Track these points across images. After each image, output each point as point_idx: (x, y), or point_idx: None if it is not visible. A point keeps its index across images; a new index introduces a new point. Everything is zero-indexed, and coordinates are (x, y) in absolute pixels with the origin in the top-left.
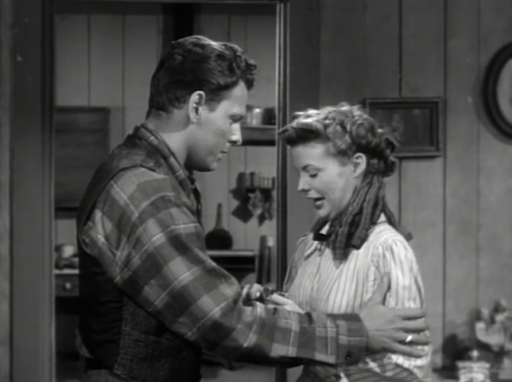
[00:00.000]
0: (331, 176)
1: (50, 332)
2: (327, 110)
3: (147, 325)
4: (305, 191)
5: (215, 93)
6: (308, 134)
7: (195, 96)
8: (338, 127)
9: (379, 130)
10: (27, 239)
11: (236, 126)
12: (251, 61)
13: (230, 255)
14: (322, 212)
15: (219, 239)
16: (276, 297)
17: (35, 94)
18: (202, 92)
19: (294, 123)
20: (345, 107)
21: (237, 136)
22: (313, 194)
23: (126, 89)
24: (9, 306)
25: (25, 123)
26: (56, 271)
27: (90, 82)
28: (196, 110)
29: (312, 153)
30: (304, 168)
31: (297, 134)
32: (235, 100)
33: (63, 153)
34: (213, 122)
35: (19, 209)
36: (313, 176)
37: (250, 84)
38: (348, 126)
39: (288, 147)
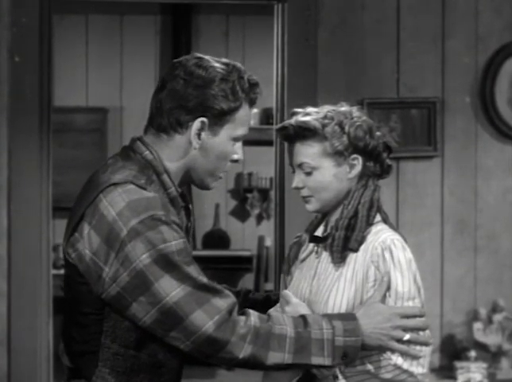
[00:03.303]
0: (325, 175)
1: (48, 332)
2: (326, 109)
3: (127, 339)
4: (299, 189)
5: (219, 118)
6: (305, 133)
7: (198, 123)
8: (336, 127)
9: (377, 133)
10: (25, 239)
11: (238, 145)
12: (253, 80)
13: (227, 255)
14: (310, 207)
15: (216, 239)
16: (287, 294)
17: (33, 94)
18: (205, 119)
19: (292, 121)
20: (344, 108)
21: (239, 155)
22: (306, 192)
23: (123, 89)
24: (7, 306)
25: (23, 123)
26: (54, 271)
27: (87, 82)
28: (199, 135)
29: (308, 152)
30: (300, 166)
31: (295, 131)
32: (238, 123)
33: (60, 153)
34: (215, 147)
35: (17, 209)
36: (308, 174)
37: (253, 103)
38: (347, 127)
39: (286, 144)
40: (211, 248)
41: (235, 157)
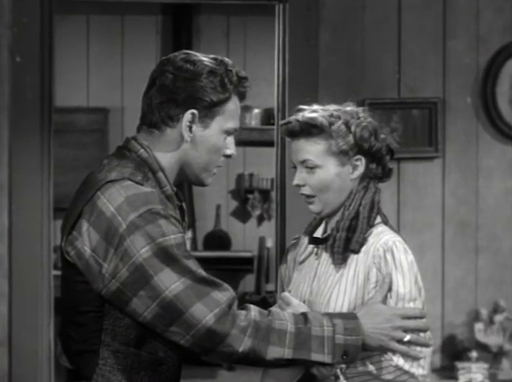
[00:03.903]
0: (328, 174)
1: (49, 332)
2: (332, 108)
3: (127, 337)
4: (299, 186)
5: (209, 110)
6: (312, 129)
7: (188, 115)
8: (343, 127)
9: (381, 136)
10: (26, 239)
11: (230, 140)
12: (242, 74)
13: (228, 255)
14: (314, 208)
15: (217, 240)
16: (287, 296)
17: (34, 94)
18: (195, 111)
19: (299, 116)
20: (350, 108)
21: (231, 150)
22: (307, 190)
23: (124, 89)
24: (8, 307)
25: (24, 124)
26: (55, 272)
27: (89, 82)
28: (190, 128)
29: (313, 149)
30: (303, 162)
31: (301, 127)
32: (229, 115)
33: (61, 153)
34: (207, 140)
35: (18, 210)
36: (310, 172)
37: (242, 97)
38: (353, 127)
39: (288, 140)
40: (211, 249)
41: (228, 152)
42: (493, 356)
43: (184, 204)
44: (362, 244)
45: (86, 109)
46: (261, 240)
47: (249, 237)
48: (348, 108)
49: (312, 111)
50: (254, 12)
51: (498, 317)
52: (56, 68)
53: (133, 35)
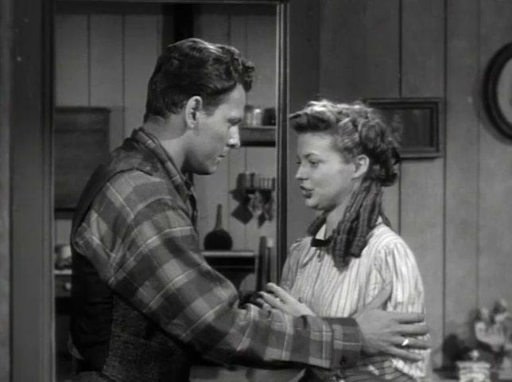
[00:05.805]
0: (331, 170)
1: (50, 332)
2: (341, 105)
3: (137, 328)
4: (301, 180)
5: (213, 97)
6: (319, 123)
7: (192, 102)
8: (349, 124)
9: (389, 138)
10: (27, 239)
11: (234, 130)
12: (249, 63)
13: (230, 255)
14: (310, 202)
15: (219, 239)
16: (284, 294)
17: (35, 94)
18: (199, 97)
19: (308, 110)
20: (359, 107)
21: (235, 139)
22: (308, 184)
23: (126, 89)
24: (9, 307)
25: (25, 124)
26: (56, 272)
27: (90, 82)
28: (193, 115)
29: (318, 143)
30: (307, 156)
31: (308, 121)
32: (233, 104)
33: (63, 153)
34: (211, 127)
35: (19, 210)
36: (314, 166)
37: (248, 86)
38: (359, 126)
39: (294, 136)
40: (213, 249)
41: (232, 141)
42: (494, 355)
43: (194, 193)
44: (362, 247)
45: (87, 109)
46: (263, 240)
47: (250, 237)
48: (357, 107)
49: (322, 106)
50: (255, 12)
51: (499, 317)
52: (57, 67)
53: (134, 35)
